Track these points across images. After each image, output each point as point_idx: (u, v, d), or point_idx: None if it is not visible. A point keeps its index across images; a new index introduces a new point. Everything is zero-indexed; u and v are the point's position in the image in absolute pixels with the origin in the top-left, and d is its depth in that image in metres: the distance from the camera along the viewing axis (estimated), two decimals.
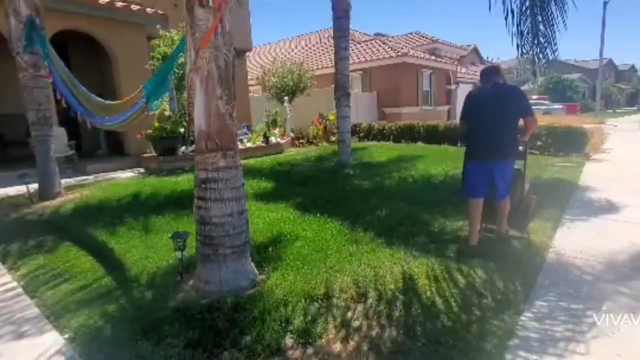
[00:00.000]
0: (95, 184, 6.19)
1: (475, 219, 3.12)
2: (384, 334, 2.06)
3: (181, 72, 6.72)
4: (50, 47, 4.96)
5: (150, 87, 3.73)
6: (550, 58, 4.22)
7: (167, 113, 7.85)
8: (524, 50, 4.21)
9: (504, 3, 4.04)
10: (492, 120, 3.00)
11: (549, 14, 4.10)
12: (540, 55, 4.25)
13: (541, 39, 4.17)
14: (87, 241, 3.58)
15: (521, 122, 3.10)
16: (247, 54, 13.84)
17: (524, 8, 4.12)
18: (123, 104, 4.38)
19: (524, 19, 4.13)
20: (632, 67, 57.59)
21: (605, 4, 23.06)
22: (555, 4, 4.07)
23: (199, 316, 2.24)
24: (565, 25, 4.07)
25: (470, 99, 3.21)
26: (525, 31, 4.15)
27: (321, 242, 3.38)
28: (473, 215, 3.12)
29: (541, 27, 4.14)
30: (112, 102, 4.86)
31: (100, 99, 4.83)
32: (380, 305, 2.33)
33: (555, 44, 4.16)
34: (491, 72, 3.14)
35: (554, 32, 4.12)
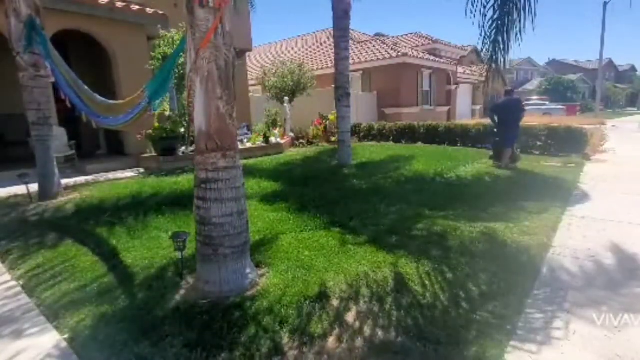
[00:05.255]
0: (95, 184, 6.19)
1: (507, 154, 6.91)
2: (376, 328, 2.06)
3: (181, 72, 6.72)
4: (51, 47, 4.96)
5: (152, 87, 3.73)
6: (500, 64, 4.71)
7: (167, 113, 7.86)
8: (485, 55, 4.78)
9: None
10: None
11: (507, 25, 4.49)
12: (499, 58, 4.69)
13: (500, 45, 4.59)
14: (86, 241, 3.58)
15: None
16: (247, 54, 13.83)
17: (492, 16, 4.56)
18: (126, 104, 4.38)
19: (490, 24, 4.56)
20: (632, 68, 57.54)
21: (605, 4, 23.07)
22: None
23: (198, 316, 2.25)
24: (520, 36, 4.45)
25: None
26: (490, 39, 4.59)
27: (320, 242, 3.38)
28: (508, 153, 6.91)
29: (499, 37, 4.56)
30: (115, 102, 4.87)
31: (103, 99, 4.84)
32: (374, 303, 2.34)
33: (506, 51, 4.59)
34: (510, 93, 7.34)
35: (507, 40, 4.53)
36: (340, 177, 6.43)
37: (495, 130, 7.29)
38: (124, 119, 4.35)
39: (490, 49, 4.58)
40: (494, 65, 4.71)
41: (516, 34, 4.39)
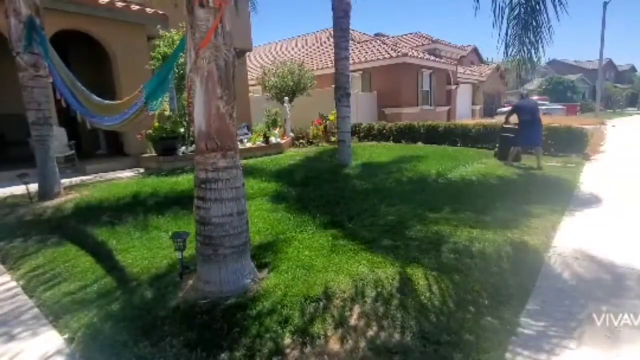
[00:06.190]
0: (95, 184, 6.19)
1: (514, 152, 7.49)
2: (376, 328, 2.06)
3: (181, 71, 6.72)
4: (50, 47, 4.96)
5: (150, 87, 3.72)
6: (535, 61, 4.61)
7: (167, 113, 7.85)
8: (511, 54, 4.64)
9: (494, 11, 4.32)
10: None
11: (537, 21, 4.34)
12: (527, 58, 4.57)
13: (527, 46, 4.46)
14: (86, 241, 3.58)
15: None
16: (247, 54, 13.83)
17: (513, 15, 4.42)
18: (122, 104, 4.38)
19: (514, 23, 4.43)
20: (632, 68, 57.55)
21: (605, 4, 23.07)
22: (544, 12, 4.27)
23: (198, 316, 2.25)
24: (550, 32, 4.35)
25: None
26: (513, 37, 4.47)
27: (320, 242, 3.38)
28: (518, 151, 7.49)
29: (530, 35, 4.37)
30: (111, 102, 4.86)
31: (100, 99, 4.83)
32: (377, 303, 2.34)
33: (540, 49, 4.49)
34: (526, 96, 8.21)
35: (540, 38, 4.40)
36: (341, 177, 6.43)
37: (509, 127, 7.82)
38: (119, 119, 4.34)
39: (517, 45, 4.41)
40: (528, 64, 4.56)
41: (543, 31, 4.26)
